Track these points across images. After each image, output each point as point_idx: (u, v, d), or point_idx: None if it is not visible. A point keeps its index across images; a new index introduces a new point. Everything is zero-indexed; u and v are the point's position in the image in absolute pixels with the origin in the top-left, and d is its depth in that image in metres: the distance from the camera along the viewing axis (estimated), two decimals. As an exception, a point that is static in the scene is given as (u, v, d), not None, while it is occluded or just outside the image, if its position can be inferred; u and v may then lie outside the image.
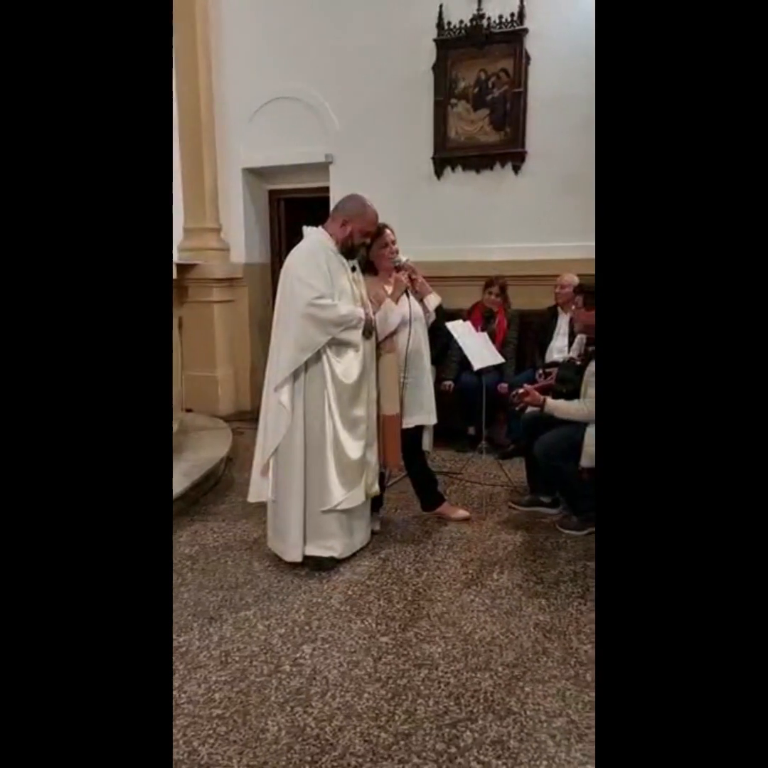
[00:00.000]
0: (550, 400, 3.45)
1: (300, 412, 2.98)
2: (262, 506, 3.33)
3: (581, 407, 3.34)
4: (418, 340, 3.39)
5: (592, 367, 3.36)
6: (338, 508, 3.03)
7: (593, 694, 2.18)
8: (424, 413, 3.46)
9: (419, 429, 3.50)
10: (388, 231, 3.35)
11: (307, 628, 2.61)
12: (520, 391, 3.53)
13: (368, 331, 3.09)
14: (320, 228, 3.11)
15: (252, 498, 3.17)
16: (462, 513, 3.70)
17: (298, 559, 3.05)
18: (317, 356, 2.96)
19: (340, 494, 3.01)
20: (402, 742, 1.98)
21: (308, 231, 3.12)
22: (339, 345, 3.00)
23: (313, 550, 3.06)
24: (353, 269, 3.17)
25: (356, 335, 3.02)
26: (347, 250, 3.09)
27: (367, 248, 3.31)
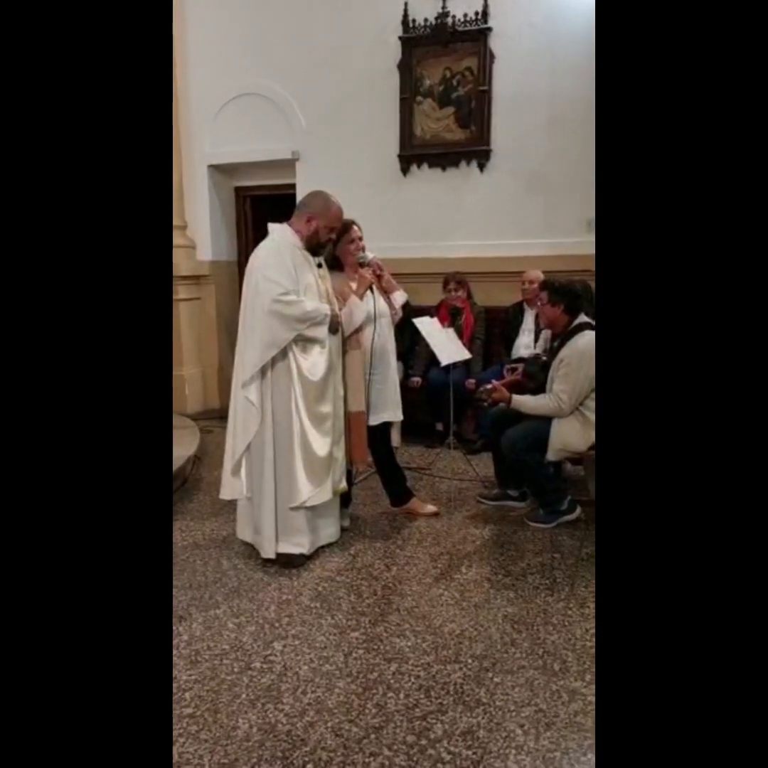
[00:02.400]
0: (516, 397, 3.48)
1: (268, 409, 2.98)
2: (230, 504, 3.32)
3: (547, 402, 3.38)
4: (384, 336, 3.40)
5: (556, 362, 3.41)
6: (306, 504, 3.03)
7: (560, 683, 2.22)
8: (390, 410, 3.48)
9: (386, 425, 3.51)
10: (355, 227, 3.35)
11: (277, 625, 2.62)
12: (488, 386, 3.56)
13: (334, 327, 3.10)
14: (285, 225, 3.10)
15: (224, 495, 3.16)
16: (431, 508, 3.73)
17: (272, 555, 3.06)
18: (283, 353, 2.96)
19: (307, 491, 3.01)
20: (373, 736, 1.99)
21: (273, 228, 3.11)
22: (305, 342, 3.00)
23: (283, 547, 3.06)
24: (319, 266, 3.17)
25: (322, 332, 3.02)
26: (313, 247, 3.09)
27: (333, 244, 3.32)
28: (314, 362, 3.01)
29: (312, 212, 3.05)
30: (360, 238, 3.36)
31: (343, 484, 3.25)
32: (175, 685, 2.24)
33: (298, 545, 3.08)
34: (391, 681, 2.26)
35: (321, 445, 3.05)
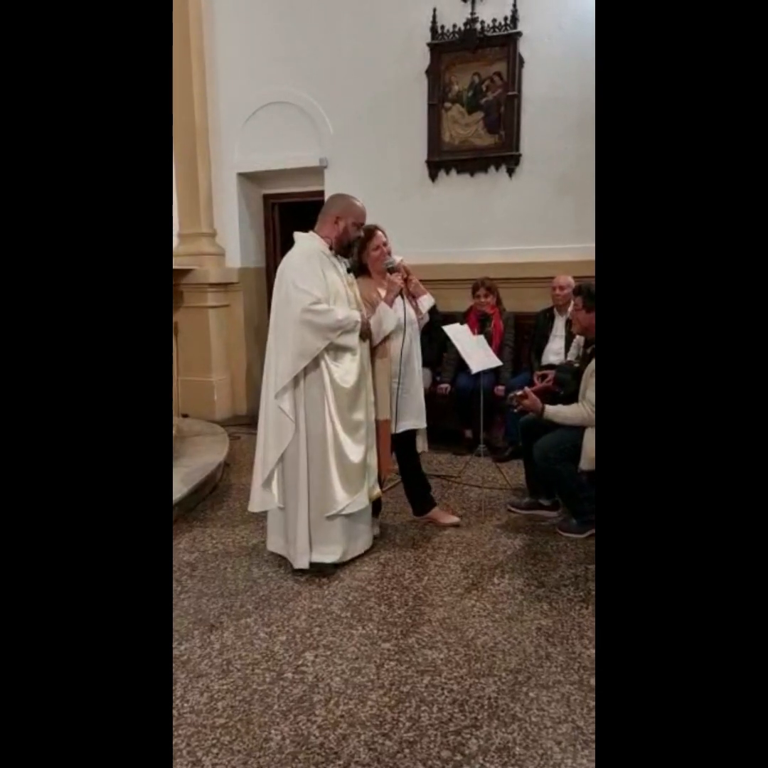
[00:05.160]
0: (548, 407, 3.43)
1: (301, 418, 2.97)
2: (259, 512, 3.32)
3: (580, 411, 3.33)
4: (410, 344, 3.37)
5: (590, 369, 3.36)
6: (343, 512, 3.02)
7: (597, 698, 2.17)
8: (414, 418, 3.45)
9: (411, 433, 3.48)
10: (379, 233, 3.33)
11: (308, 634, 2.60)
12: (519, 393, 3.52)
13: (364, 333, 3.09)
14: (311, 232, 3.10)
15: (254, 508, 3.14)
16: (452, 518, 3.68)
17: (306, 565, 3.04)
18: (315, 362, 2.95)
19: (343, 499, 3.00)
20: (407, 750, 1.97)
21: (300, 236, 3.10)
22: (337, 349, 2.99)
23: (316, 557, 3.05)
24: (349, 270, 3.17)
25: (354, 339, 3.01)
26: (343, 247, 3.10)
27: (359, 251, 3.31)
28: (346, 369, 3.00)
29: (338, 212, 3.06)
30: (385, 244, 3.34)
31: (377, 490, 3.23)
32: (208, 694, 2.24)
33: (331, 554, 3.06)
34: (425, 694, 2.23)
35: (355, 452, 3.04)
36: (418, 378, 3.48)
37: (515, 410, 3.68)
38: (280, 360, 2.95)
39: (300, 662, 2.42)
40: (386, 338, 3.25)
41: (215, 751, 1.98)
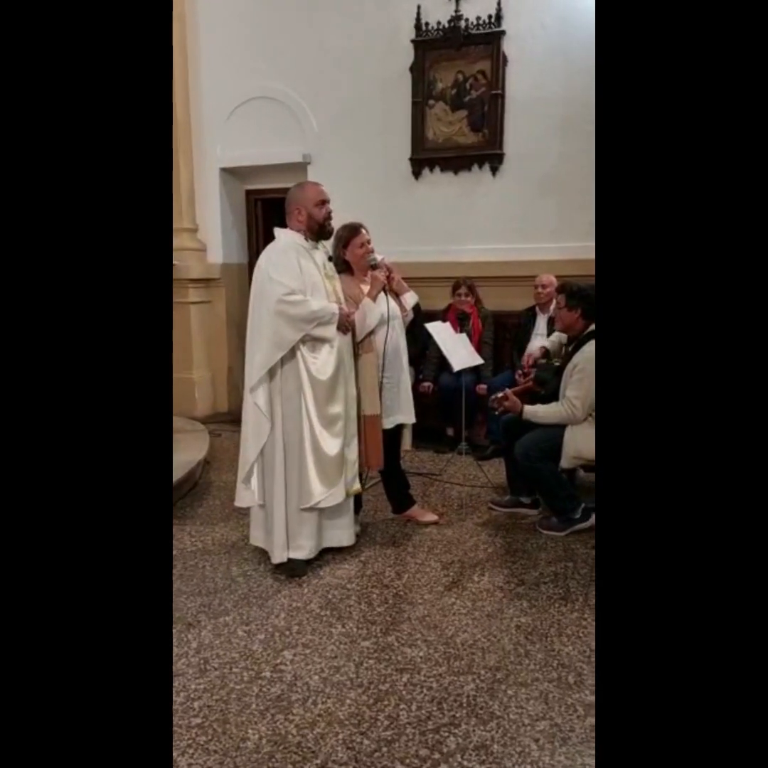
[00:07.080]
0: (528, 407, 3.44)
1: (278, 412, 2.96)
2: (239, 509, 3.30)
3: (558, 410, 3.34)
4: (396, 339, 3.37)
5: (570, 367, 3.37)
6: (319, 506, 3.01)
7: (576, 696, 2.18)
8: (403, 412, 3.45)
9: (398, 429, 3.48)
10: (363, 231, 3.33)
11: (287, 633, 2.58)
12: (499, 395, 3.52)
13: (344, 327, 3.08)
14: (286, 229, 3.10)
15: (239, 503, 3.13)
16: (431, 516, 3.68)
17: (284, 559, 3.03)
18: (291, 354, 2.94)
19: (320, 492, 2.98)
20: (385, 749, 1.96)
21: (279, 232, 3.11)
22: (314, 341, 2.98)
23: (292, 553, 3.03)
24: (330, 259, 3.17)
25: (330, 331, 2.99)
26: (318, 230, 3.08)
27: (342, 247, 3.31)
28: (324, 361, 2.99)
29: (295, 204, 3.06)
30: (368, 242, 3.34)
31: (357, 485, 3.22)
32: (184, 694, 2.21)
33: (301, 549, 3.05)
34: (403, 692, 2.22)
35: (332, 445, 3.02)
36: (405, 373, 3.48)
37: (497, 412, 3.69)
38: (256, 353, 2.93)
39: (278, 661, 2.40)
40: (371, 333, 3.24)
41: (191, 751, 1.96)
